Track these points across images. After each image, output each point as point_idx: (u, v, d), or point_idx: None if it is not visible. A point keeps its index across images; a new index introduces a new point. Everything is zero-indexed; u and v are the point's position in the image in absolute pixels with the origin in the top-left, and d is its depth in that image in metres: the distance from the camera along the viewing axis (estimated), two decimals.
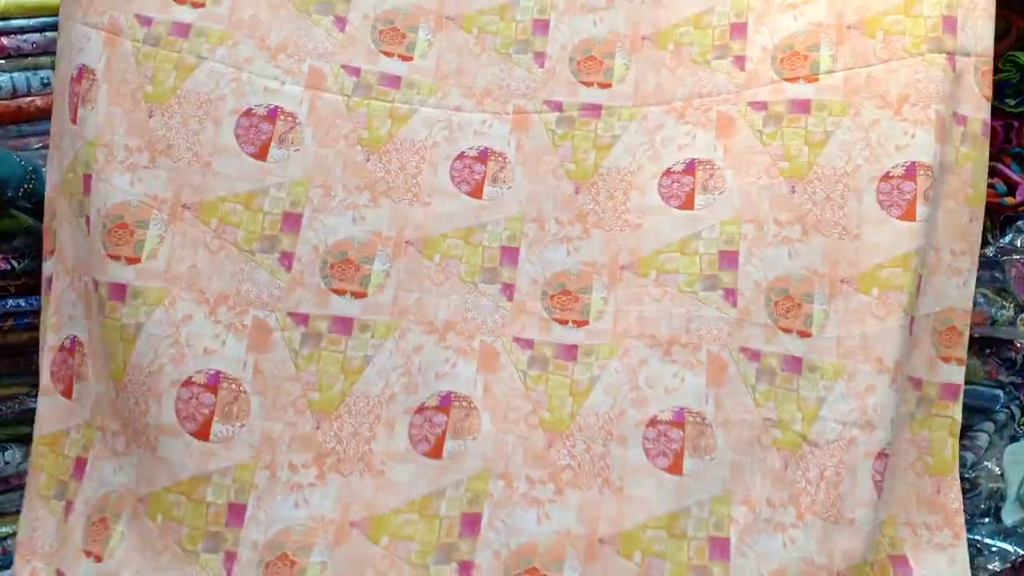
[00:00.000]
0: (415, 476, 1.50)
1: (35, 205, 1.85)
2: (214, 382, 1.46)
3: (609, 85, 1.74)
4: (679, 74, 1.73)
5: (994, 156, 1.91)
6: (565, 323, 1.56)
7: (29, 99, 2.10)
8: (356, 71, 1.71)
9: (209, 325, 1.50)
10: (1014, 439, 1.94)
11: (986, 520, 1.89)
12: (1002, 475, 1.91)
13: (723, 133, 1.67)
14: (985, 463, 1.92)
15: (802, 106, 1.65)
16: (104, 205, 1.53)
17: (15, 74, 2.09)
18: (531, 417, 1.53)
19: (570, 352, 1.55)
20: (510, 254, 1.65)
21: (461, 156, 1.70)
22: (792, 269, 1.56)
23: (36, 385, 1.82)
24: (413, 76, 1.73)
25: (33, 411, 1.78)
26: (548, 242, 1.66)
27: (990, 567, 1.82)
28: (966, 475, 1.87)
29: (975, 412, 1.95)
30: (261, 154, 1.62)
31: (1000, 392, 1.95)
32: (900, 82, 1.60)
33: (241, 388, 1.48)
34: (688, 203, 1.63)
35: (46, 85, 2.11)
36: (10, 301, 1.86)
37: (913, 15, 1.64)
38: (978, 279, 1.82)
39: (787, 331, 1.53)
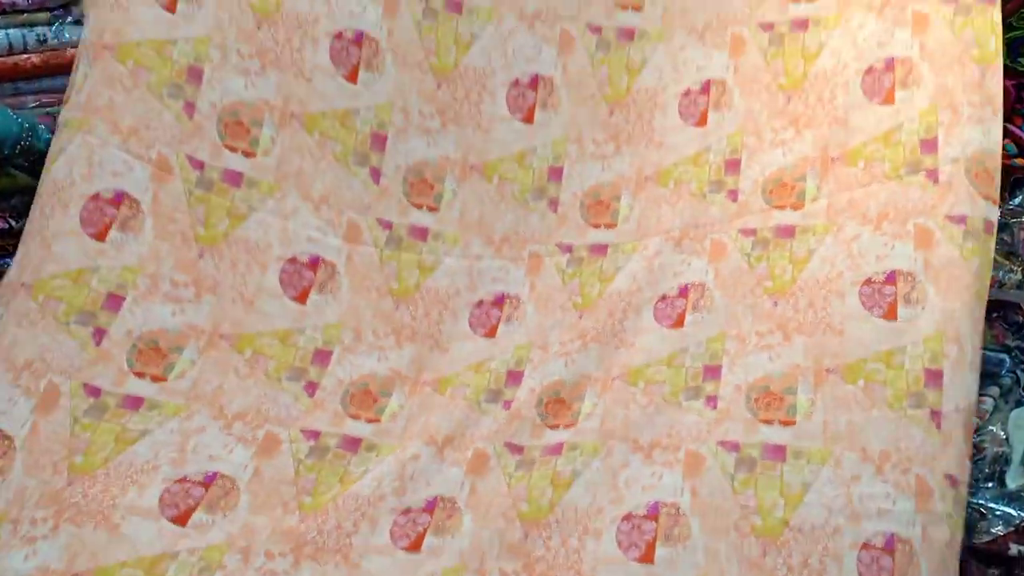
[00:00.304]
0: (390, 567, 1.49)
1: (32, 163, 1.83)
2: (209, 480, 1.50)
3: (614, 225, 1.87)
4: (678, 208, 1.84)
5: (1006, 116, 1.88)
6: (556, 427, 1.62)
7: (25, 56, 2.07)
8: (389, 225, 1.83)
9: (221, 436, 1.56)
10: (1020, 404, 1.92)
11: (990, 484, 1.88)
12: (1007, 439, 1.89)
13: (715, 258, 1.79)
14: (990, 427, 1.90)
15: (787, 231, 1.75)
16: (138, 328, 1.59)
17: (10, 30, 2.06)
18: (510, 511, 1.54)
19: (556, 449, 1.59)
20: (515, 377, 1.75)
21: (480, 303, 1.84)
22: (772, 370, 1.61)
23: None
24: (439, 227, 1.85)
25: None
26: (549, 360, 1.76)
27: (993, 531, 1.80)
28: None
29: (981, 377, 1.92)
30: (301, 298, 1.75)
31: (1006, 357, 1.92)
32: (880, 201, 1.69)
33: (235, 486, 1.51)
34: (679, 323, 1.74)
35: (42, 42, 2.08)
36: (8, 260, 1.84)
37: (892, 143, 1.72)
38: None
39: (768, 423, 1.56)
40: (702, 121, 1.88)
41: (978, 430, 1.87)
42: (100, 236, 1.59)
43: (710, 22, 1.90)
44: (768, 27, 1.87)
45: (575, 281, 1.84)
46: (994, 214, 1.63)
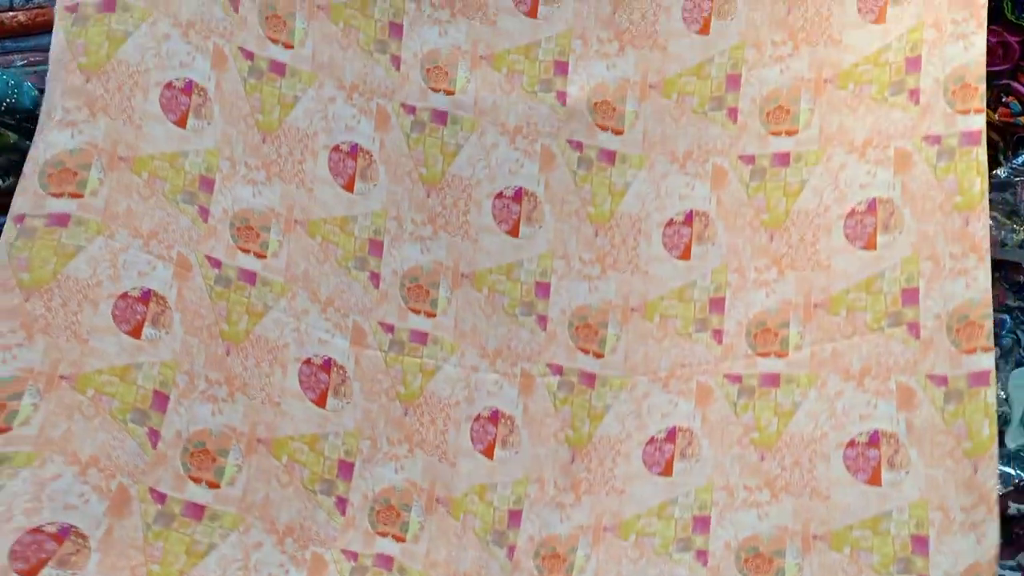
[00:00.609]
0: None
1: (18, 121, 1.79)
2: None
3: (602, 355, 1.90)
4: (664, 345, 1.87)
5: (1010, 74, 1.84)
6: None
7: (11, 14, 2.03)
8: (391, 328, 1.90)
9: (276, 554, 1.67)
10: (1020, 364, 1.91)
11: None
12: (1007, 399, 1.88)
13: (701, 403, 1.82)
14: None
15: (772, 380, 1.78)
16: (186, 429, 1.68)
17: None
18: None
19: None
20: (515, 518, 1.81)
21: (478, 417, 1.89)
22: (762, 529, 1.66)
23: None
24: (437, 332, 1.91)
25: None
26: (545, 504, 1.81)
27: None
28: None
29: None
30: (321, 401, 1.84)
31: (1007, 317, 1.90)
32: (862, 356, 1.72)
33: None
34: (667, 470, 1.79)
35: (28, 0, 2.03)
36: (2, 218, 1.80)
37: (874, 291, 1.73)
38: (989, 201, 1.77)
39: None
40: (686, 254, 1.89)
41: None
42: (135, 333, 1.67)
43: (691, 151, 1.88)
44: (749, 160, 1.85)
45: (566, 408, 1.89)
46: (985, 362, 1.63)
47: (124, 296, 1.67)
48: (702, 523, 1.70)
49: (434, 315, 1.93)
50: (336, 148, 1.91)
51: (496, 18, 1.88)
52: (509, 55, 1.90)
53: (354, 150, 1.91)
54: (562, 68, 1.90)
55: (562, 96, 1.90)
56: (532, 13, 1.89)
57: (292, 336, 1.83)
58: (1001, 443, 1.86)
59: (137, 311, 1.68)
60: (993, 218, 1.84)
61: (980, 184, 1.67)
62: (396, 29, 1.88)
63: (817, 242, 1.80)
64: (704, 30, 1.87)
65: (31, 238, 1.62)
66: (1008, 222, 1.87)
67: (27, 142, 1.80)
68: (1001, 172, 1.83)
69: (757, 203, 1.85)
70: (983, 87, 1.70)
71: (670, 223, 1.89)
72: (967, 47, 1.71)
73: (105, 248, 1.66)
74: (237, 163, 1.84)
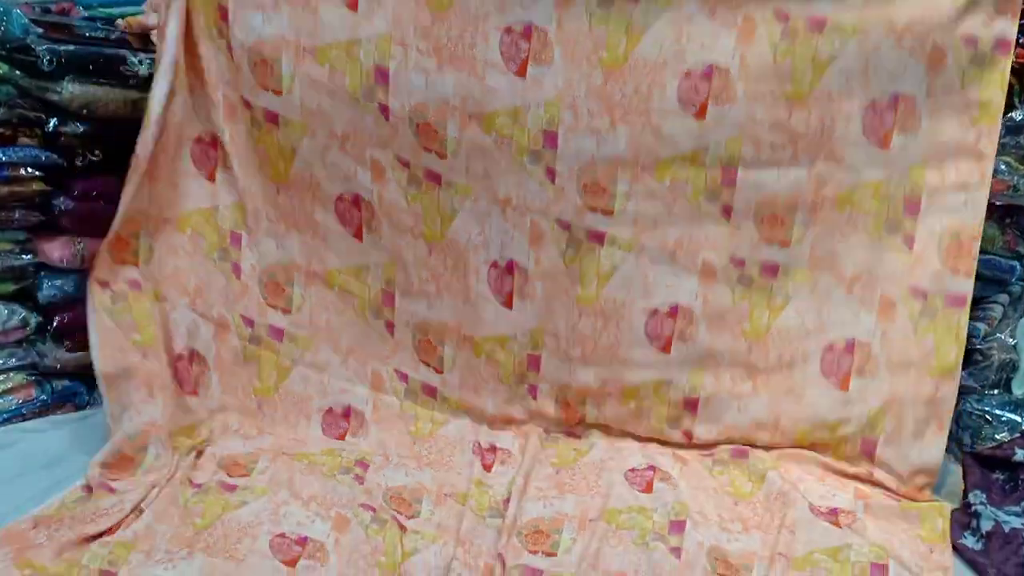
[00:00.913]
0: None
1: (8, 51, 1.74)
2: (303, 541, 1.70)
3: (579, 437, 2.01)
4: (640, 432, 1.96)
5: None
6: (536, 552, 1.66)
7: None
8: (405, 377, 2.00)
9: (303, 512, 1.74)
10: None
11: (996, 391, 1.84)
12: (1015, 347, 1.85)
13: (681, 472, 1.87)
14: (998, 334, 1.86)
15: (741, 454, 1.86)
16: (219, 453, 1.86)
17: None
18: None
19: (536, 573, 1.61)
20: (505, 503, 1.80)
21: (477, 447, 1.97)
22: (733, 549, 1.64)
23: (19, 241, 1.75)
24: (444, 390, 2.00)
25: (16, 268, 1.71)
26: (529, 499, 1.79)
27: (998, 437, 1.77)
28: (978, 346, 1.80)
29: (990, 283, 1.87)
30: (340, 437, 1.97)
31: (1016, 264, 1.86)
32: (818, 492, 1.76)
33: (324, 546, 1.67)
34: (648, 489, 1.81)
35: None
36: None
37: (837, 436, 1.81)
38: (1002, 145, 1.72)
39: None
40: (667, 347, 1.85)
41: (986, 337, 1.82)
42: (194, 392, 1.87)
43: (681, 240, 1.79)
44: (739, 263, 1.79)
45: (551, 450, 1.95)
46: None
47: (179, 358, 1.85)
48: (678, 526, 1.72)
49: (441, 372, 1.99)
50: (340, 198, 1.90)
51: (485, 74, 1.74)
52: (499, 117, 1.77)
53: (356, 200, 1.89)
54: (551, 141, 1.77)
55: (551, 173, 1.80)
56: (521, 72, 1.75)
57: (316, 388, 1.96)
58: (1007, 390, 1.84)
59: (191, 372, 1.87)
60: (1006, 163, 1.78)
61: (956, 353, 1.67)
62: (382, 75, 1.77)
63: (793, 366, 1.81)
64: (700, 115, 1.72)
65: (125, 301, 1.80)
66: (1021, 167, 1.81)
67: (16, 72, 1.75)
68: (1016, 115, 1.76)
69: (741, 310, 1.81)
70: (976, 247, 1.65)
71: (654, 313, 1.84)
72: (967, 201, 1.66)
73: (157, 310, 1.84)
74: (259, 217, 1.91)
